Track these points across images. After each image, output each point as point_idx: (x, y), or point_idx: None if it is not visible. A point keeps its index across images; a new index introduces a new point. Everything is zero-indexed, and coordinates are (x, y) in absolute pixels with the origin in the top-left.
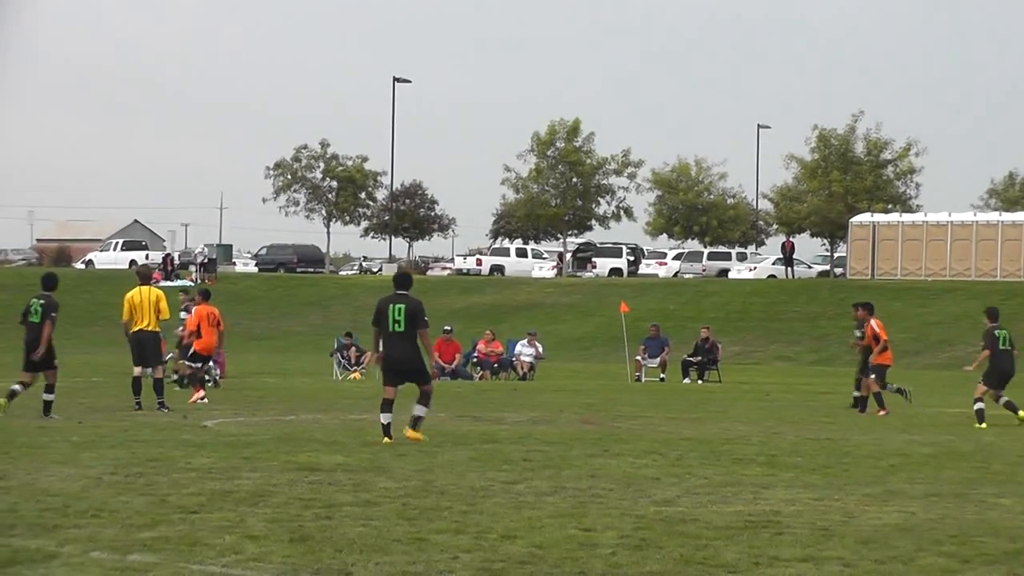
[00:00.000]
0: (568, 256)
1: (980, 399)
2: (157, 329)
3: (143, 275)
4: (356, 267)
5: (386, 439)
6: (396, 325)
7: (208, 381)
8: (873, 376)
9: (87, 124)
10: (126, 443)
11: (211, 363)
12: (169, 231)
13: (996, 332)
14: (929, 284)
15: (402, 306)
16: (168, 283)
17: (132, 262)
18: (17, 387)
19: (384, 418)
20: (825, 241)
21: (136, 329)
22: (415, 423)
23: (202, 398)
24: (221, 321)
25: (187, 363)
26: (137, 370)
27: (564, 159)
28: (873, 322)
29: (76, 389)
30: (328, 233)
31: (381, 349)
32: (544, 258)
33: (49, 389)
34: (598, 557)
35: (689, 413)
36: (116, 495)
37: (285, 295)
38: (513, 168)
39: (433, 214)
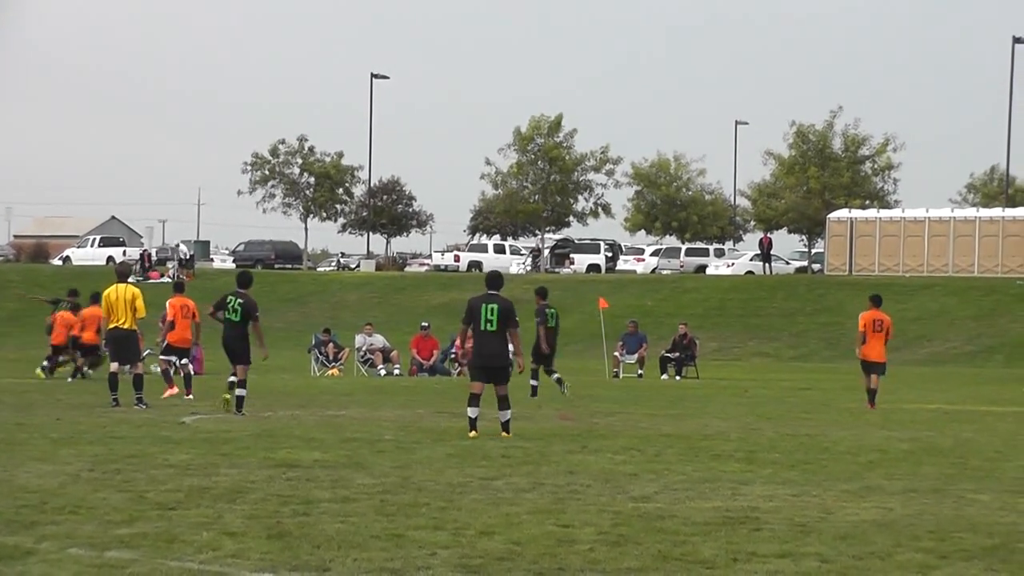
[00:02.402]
0: (546, 252)
1: None
2: (134, 327)
3: (121, 273)
4: (334, 263)
5: (472, 432)
6: (488, 324)
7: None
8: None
9: (64, 120)
10: (104, 439)
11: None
12: (147, 227)
13: None
14: (907, 280)
15: (495, 306)
16: (141, 280)
17: (110, 258)
18: (241, 391)
19: (472, 412)
20: (803, 237)
21: (112, 326)
22: (506, 427)
23: (186, 394)
24: (197, 313)
25: (162, 357)
26: (114, 366)
27: (545, 155)
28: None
29: (54, 386)
30: (306, 229)
31: (466, 349)
32: (522, 254)
33: (241, 385)
34: (576, 553)
35: (667, 409)
36: (94, 491)
37: (263, 291)
38: (494, 163)
39: (411, 210)
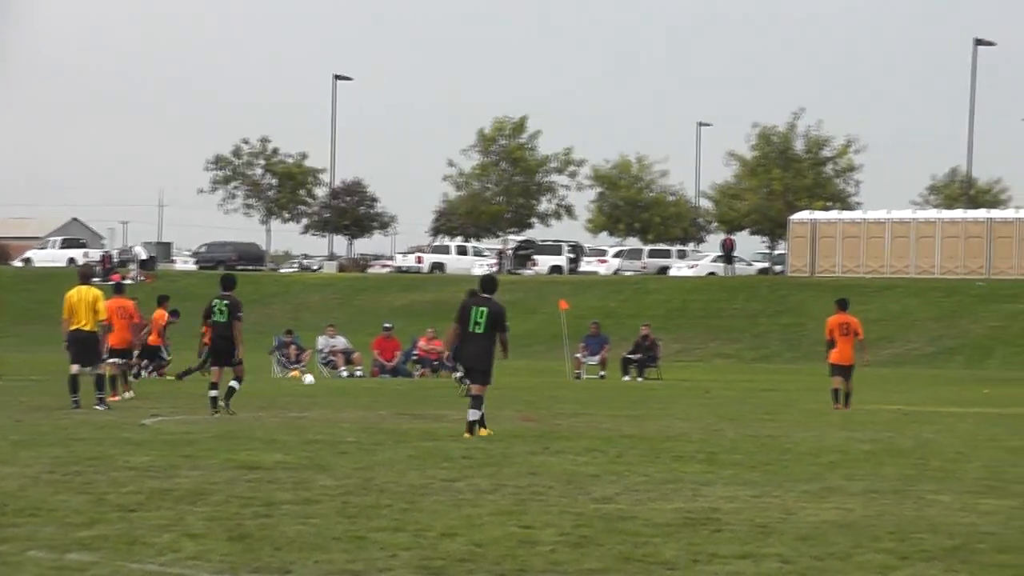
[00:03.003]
0: (508, 253)
1: None
2: (95, 329)
3: (84, 275)
4: (296, 265)
5: (466, 435)
6: (476, 326)
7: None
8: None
9: (24, 120)
10: (65, 441)
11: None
12: (108, 229)
13: None
14: (868, 281)
15: (485, 309)
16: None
17: (71, 260)
18: (214, 392)
19: (473, 415)
20: (765, 239)
21: (74, 328)
22: (470, 427)
23: (125, 391)
24: (136, 315)
25: (112, 361)
26: (75, 368)
27: (508, 156)
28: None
29: (15, 387)
30: (268, 230)
31: (452, 348)
32: (485, 256)
33: (237, 380)
34: (538, 555)
35: (629, 411)
36: (54, 494)
37: None
38: (456, 164)
39: (374, 212)
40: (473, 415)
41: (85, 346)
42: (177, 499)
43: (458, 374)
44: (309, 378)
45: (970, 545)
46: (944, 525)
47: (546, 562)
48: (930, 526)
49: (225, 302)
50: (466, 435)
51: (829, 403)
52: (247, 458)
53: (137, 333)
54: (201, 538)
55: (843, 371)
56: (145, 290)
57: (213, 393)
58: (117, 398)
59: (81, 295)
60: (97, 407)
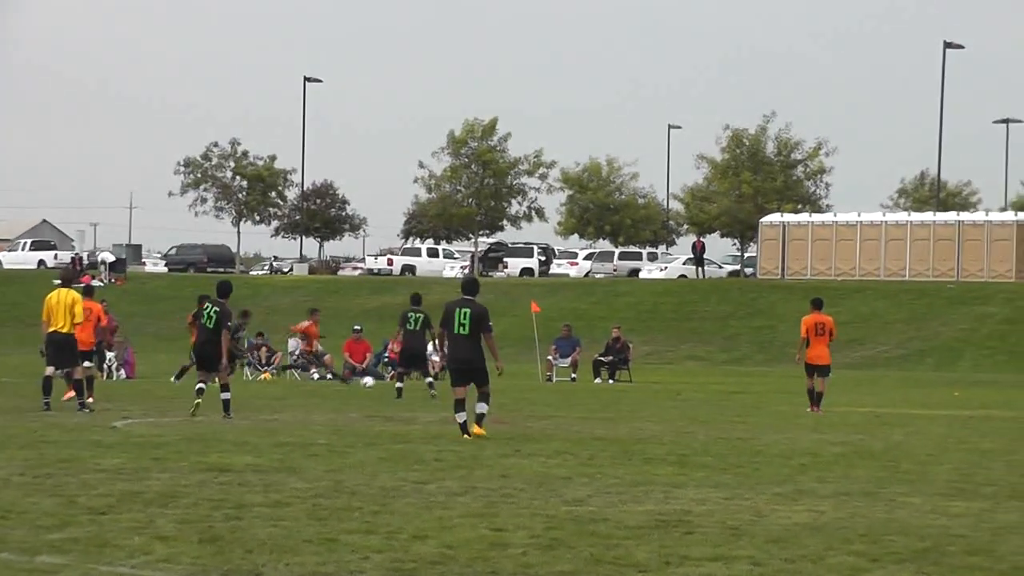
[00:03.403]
0: (478, 255)
1: None
2: (71, 331)
3: (65, 278)
4: (267, 267)
5: (465, 436)
6: (461, 328)
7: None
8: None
9: None
10: (35, 444)
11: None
12: (78, 231)
13: None
14: (839, 284)
15: (468, 310)
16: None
17: (40, 262)
18: (201, 386)
19: (459, 417)
20: (735, 241)
21: (51, 330)
22: (479, 419)
23: (88, 397)
24: (104, 317)
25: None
26: (49, 370)
27: (478, 158)
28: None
29: None
30: (238, 233)
31: (446, 351)
32: (455, 258)
33: (224, 388)
34: (509, 557)
35: (600, 413)
36: (24, 496)
37: (195, 295)
38: (427, 166)
39: (344, 214)
40: (482, 408)
41: (61, 348)
42: (148, 502)
43: (429, 379)
44: (369, 380)
45: (941, 547)
46: (915, 527)
47: (517, 564)
48: (901, 528)
49: (216, 308)
50: (476, 430)
51: (802, 405)
52: (218, 460)
53: (106, 335)
54: (172, 541)
55: (819, 370)
56: (115, 292)
57: (201, 386)
58: (73, 393)
59: (60, 297)
60: (79, 411)
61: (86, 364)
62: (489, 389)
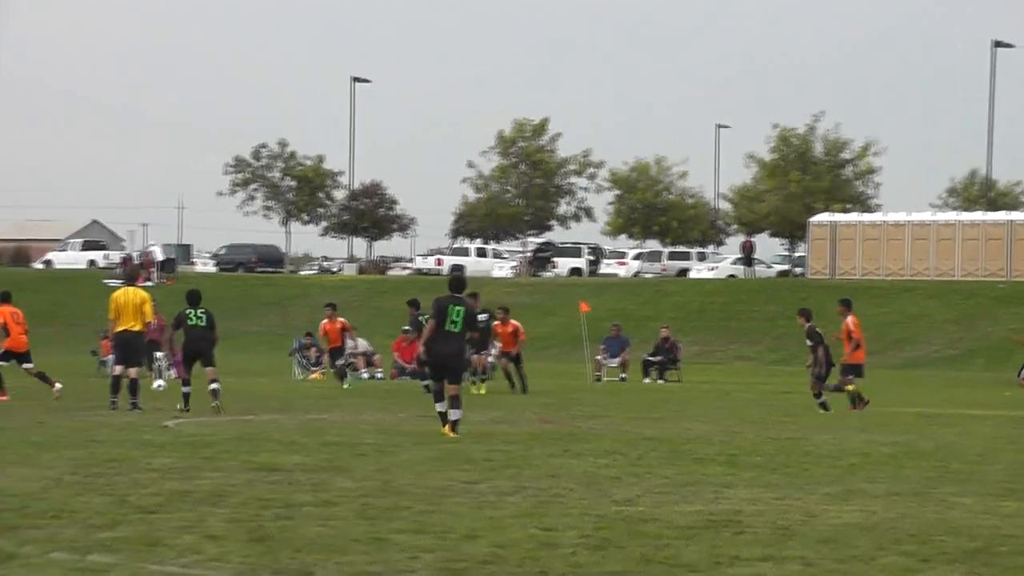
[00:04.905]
0: (527, 255)
1: None
2: (142, 330)
3: (130, 276)
4: (316, 267)
5: (446, 427)
6: (453, 325)
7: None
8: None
9: (44, 124)
10: (85, 443)
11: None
12: (128, 231)
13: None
14: (888, 284)
15: (461, 308)
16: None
17: (91, 262)
18: (187, 389)
19: (440, 407)
20: (785, 241)
21: (120, 329)
22: (455, 425)
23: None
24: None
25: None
26: (118, 369)
27: (527, 158)
28: (850, 319)
29: (36, 389)
30: (287, 233)
31: (427, 345)
32: (504, 258)
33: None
34: (559, 557)
35: (650, 413)
36: (75, 495)
37: (244, 295)
38: (476, 165)
39: (393, 214)
40: (456, 415)
41: (131, 347)
42: (197, 501)
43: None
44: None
45: (992, 548)
46: (966, 527)
47: (567, 564)
48: (952, 528)
49: (202, 311)
50: (448, 432)
51: (858, 404)
52: (267, 460)
53: (158, 334)
54: (221, 540)
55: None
56: (164, 292)
57: (186, 389)
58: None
59: (128, 296)
60: (131, 411)
61: (26, 366)
62: (459, 392)
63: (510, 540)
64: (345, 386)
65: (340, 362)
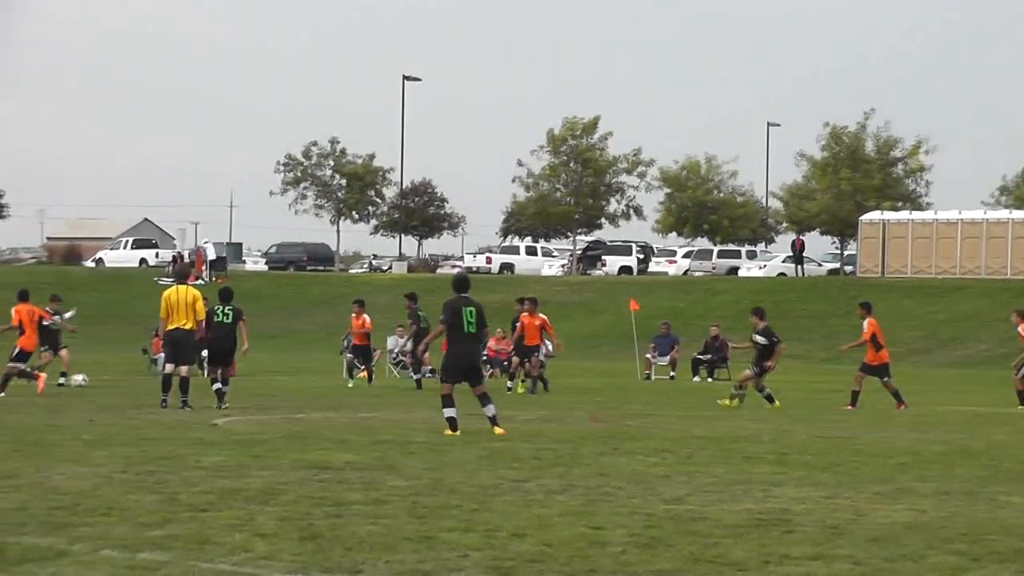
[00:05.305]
0: (576, 253)
1: None
2: (193, 328)
3: (181, 274)
4: (366, 265)
5: (455, 432)
6: (470, 327)
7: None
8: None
9: (97, 122)
10: (136, 441)
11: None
12: (179, 229)
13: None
14: (939, 282)
15: (473, 308)
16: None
17: (142, 260)
18: (218, 385)
19: (451, 412)
20: (835, 239)
21: (172, 327)
22: (495, 420)
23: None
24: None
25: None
26: (169, 367)
27: (578, 156)
28: (870, 321)
29: (87, 388)
30: (338, 231)
31: (426, 347)
32: (554, 256)
33: (225, 381)
34: (608, 555)
35: (699, 411)
36: (126, 493)
37: (295, 293)
38: (526, 164)
39: (443, 212)
40: (492, 409)
41: (183, 345)
42: (248, 499)
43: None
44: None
45: None
46: (1016, 527)
47: (616, 563)
48: (1002, 527)
49: (229, 308)
50: (498, 430)
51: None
52: (317, 458)
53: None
54: (272, 538)
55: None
56: (215, 290)
57: (218, 386)
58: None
59: (180, 295)
60: (182, 408)
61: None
62: (484, 388)
63: (558, 539)
64: (350, 385)
65: (349, 355)
